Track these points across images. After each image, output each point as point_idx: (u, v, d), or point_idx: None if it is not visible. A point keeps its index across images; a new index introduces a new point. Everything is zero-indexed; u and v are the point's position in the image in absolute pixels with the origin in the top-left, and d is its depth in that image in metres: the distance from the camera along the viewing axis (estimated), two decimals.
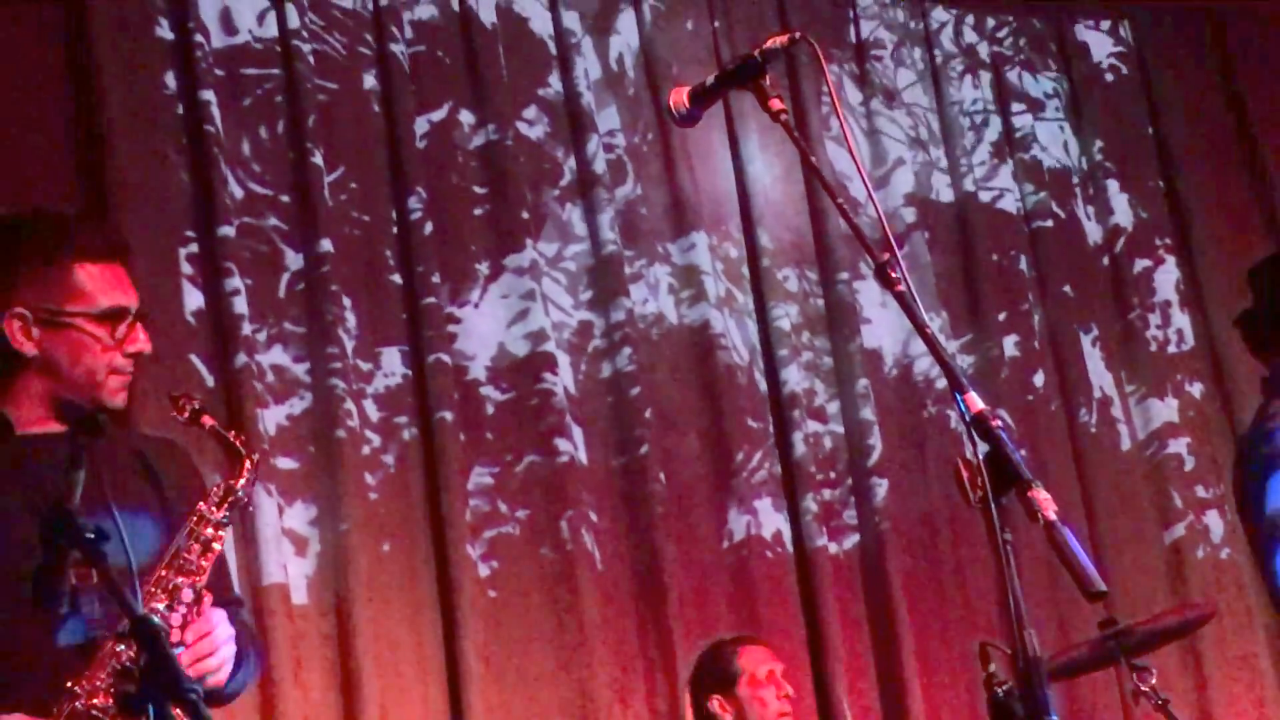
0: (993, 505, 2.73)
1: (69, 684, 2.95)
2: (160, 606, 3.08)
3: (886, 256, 2.96)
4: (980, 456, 2.76)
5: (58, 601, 2.76)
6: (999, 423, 2.79)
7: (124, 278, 3.30)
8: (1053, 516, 2.67)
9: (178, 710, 2.49)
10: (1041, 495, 2.69)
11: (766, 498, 6.71)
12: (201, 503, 3.26)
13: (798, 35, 3.26)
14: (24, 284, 3.24)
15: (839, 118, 3.16)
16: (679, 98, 3.39)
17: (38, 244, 3.27)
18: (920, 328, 2.92)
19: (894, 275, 2.95)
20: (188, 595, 3.12)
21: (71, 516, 2.67)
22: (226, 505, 3.26)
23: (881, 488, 6.85)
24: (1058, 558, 2.67)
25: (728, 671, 5.65)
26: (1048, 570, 6.66)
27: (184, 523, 3.26)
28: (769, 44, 3.25)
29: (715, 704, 5.62)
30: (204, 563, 3.19)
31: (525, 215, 6.63)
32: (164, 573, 3.15)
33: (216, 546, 3.22)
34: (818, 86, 7.23)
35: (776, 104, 3.23)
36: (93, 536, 2.67)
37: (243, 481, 3.30)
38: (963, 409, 2.81)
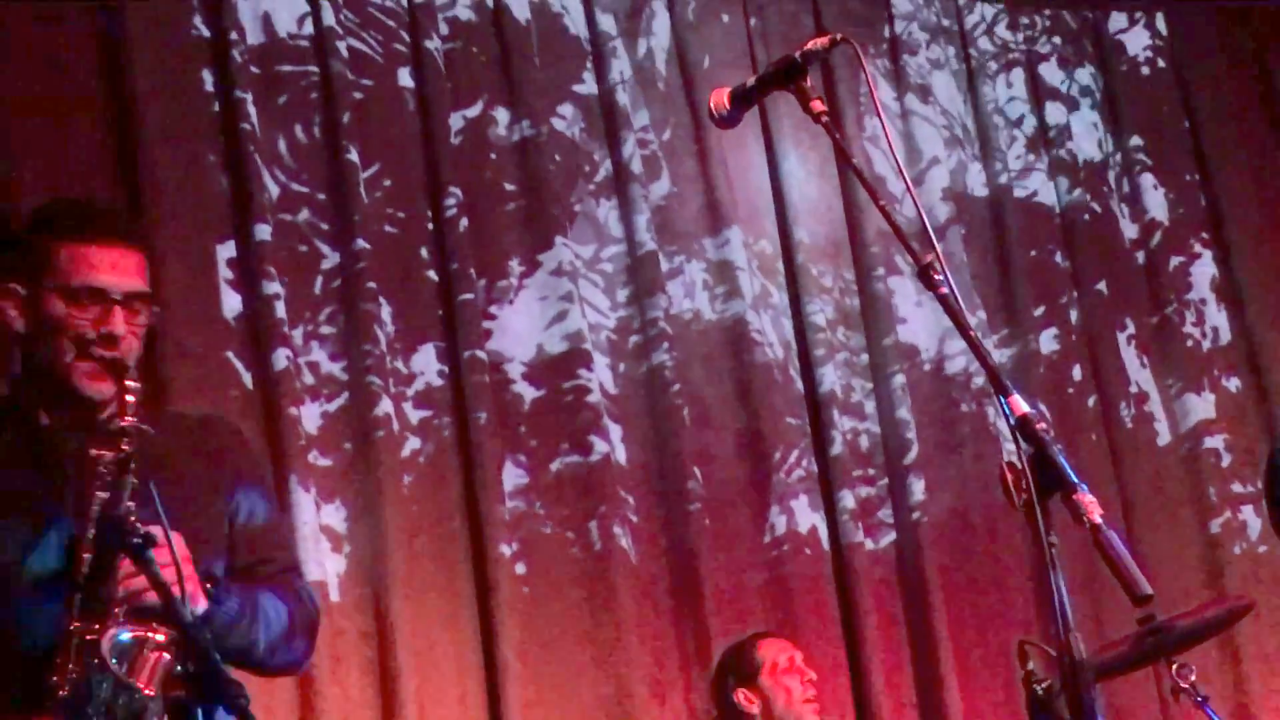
0: (1038, 508, 2.71)
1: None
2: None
3: (930, 258, 2.94)
4: (1025, 459, 2.74)
5: (107, 607, 2.76)
6: (1043, 425, 2.77)
7: (118, 263, 3.23)
8: (1098, 519, 2.66)
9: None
10: (1087, 498, 2.69)
11: (803, 495, 6.70)
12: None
13: (839, 37, 3.25)
14: (17, 262, 3.24)
15: (879, 118, 3.14)
16: (720, 99, 3.39)
17: (35, 224, 3.29)
18: (964, 330, 2.91)
19: (937, 277, 2.93)
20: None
21: (121, 522, 2.67)
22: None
23: (918, 485, 6.84)
24: (1104, 561, 2.67)
25: (749, 664, 5.69)
26: (1083, 567, 6.63)
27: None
28: (810, 45, 3.25)
29: (741, 696, 5.65)
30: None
31: (560, 212, 6.64)
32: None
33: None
34: (852, 87, 7.23)
35: (818, 105, 3.22)
36: (140, 542, 2.68)
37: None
38: (1006, 412, 2.80)
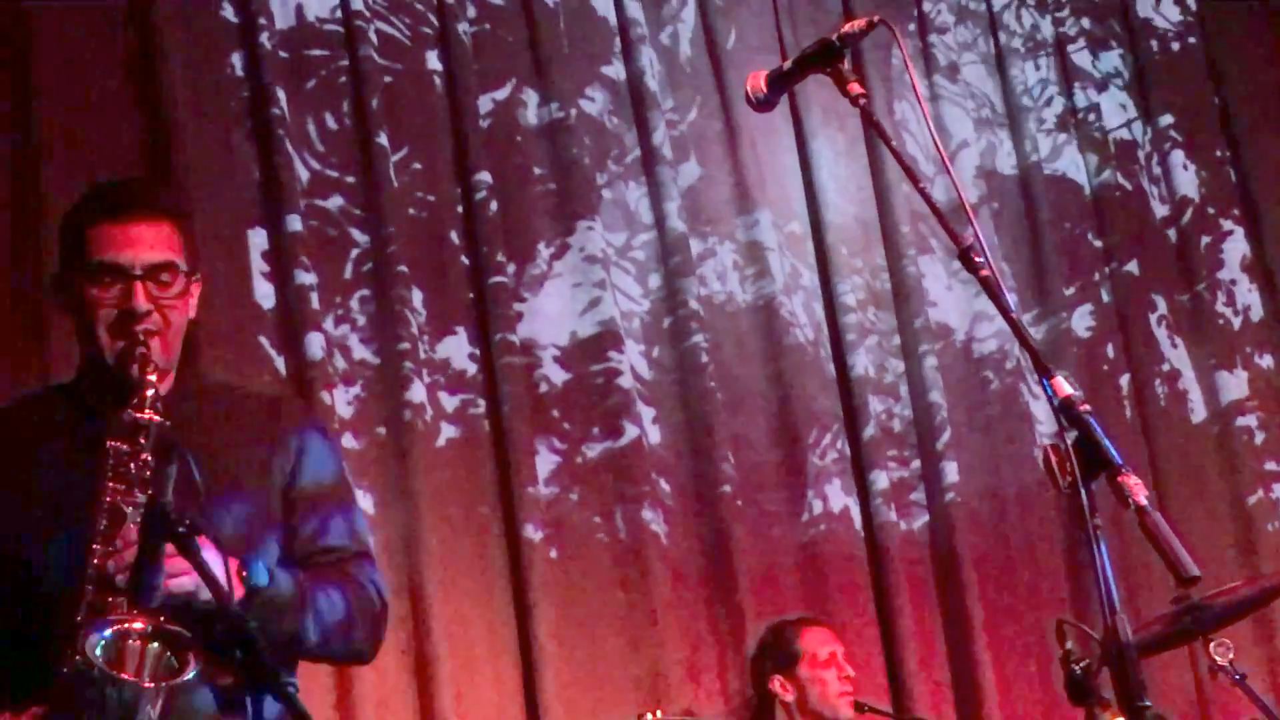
0: (1082, 491, 2.70)
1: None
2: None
3: (970, 240, 2.93)
4: (1069, 442, 2.73)
5: (151, 596, 2.75)
6: (1086, 407, 2.75)
7: (138, 237, 3.16)
8: (1144, 501, 2.65)
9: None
10: (1132, 480, 2.67)
11: (836, 476, 6.70)
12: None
13: (876, 19, 3.23)
14: (62, 254, 3.23)
15: (917, 98, 3.14)
16: (756, 82, 3.38)
17: (69, 213, 3.25)
18: (1005, 311, 2.89)
19: (978, 259, 2.92)
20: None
21: (166, 511, 2.67)
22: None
23: (951, 466, 6.83)
24: (1150, 543, 2.65)
25: (789, 652, 5.67)
26: (1115, 547, 6.61)
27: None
28: (847, 28, 3.22)
29: (776, 684, 5.64)
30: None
31: (589, 194, 6.64)
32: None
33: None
34: (883, 70, 7.23)
35: (855, 88, 3.19)
36: (186, 531, 2.67)
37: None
38: (1050, 394, 2.78)
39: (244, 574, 3.00)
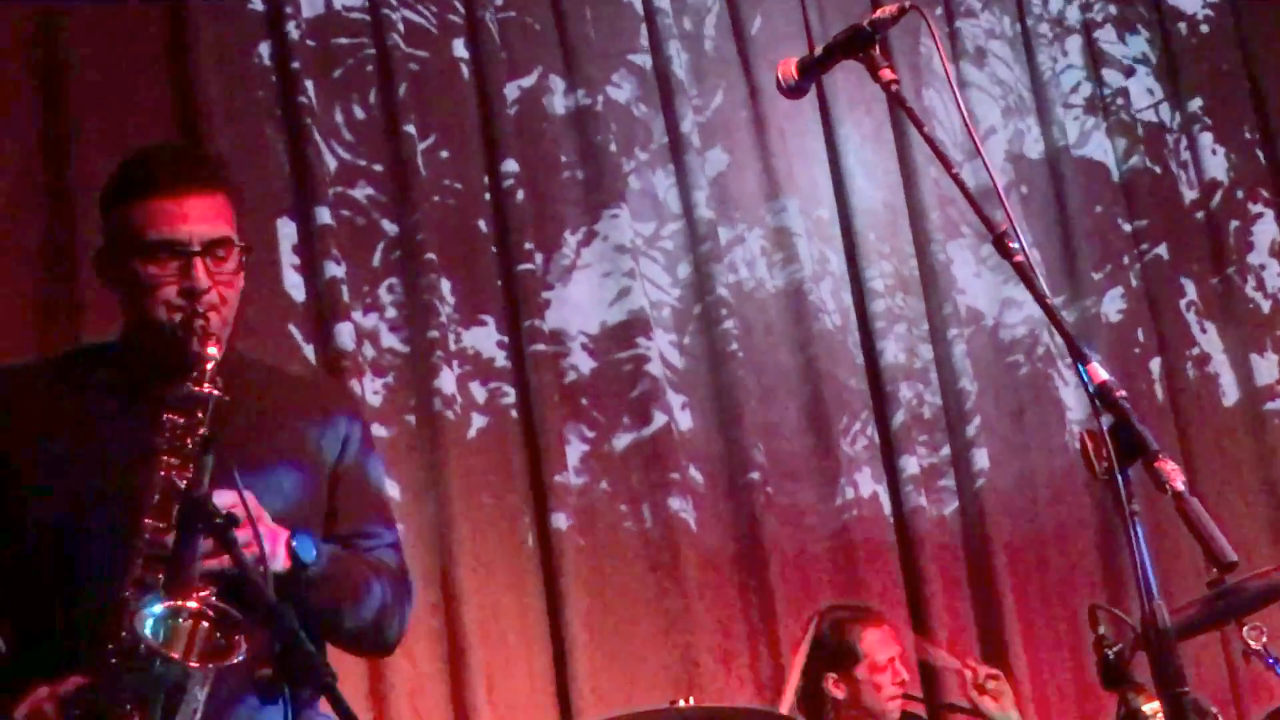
0: (1119, 477, 2.69)
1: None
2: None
3: (1004, 226, 2.92)
4: (1105, 427, 2.72)
5: (187, 589, 2.75)
6: (1123, 393, 2.75)
7: (193, 211, 3.09)
8: (1181, 487, 2.65)
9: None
10: (1169, 466, 2.67)
11: (866, 462, 6.70)
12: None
13: (907, 4, 3.22)
14: (107, 235, 3.18)
15: (950, 83, 3.14)
16: (788, 69, 3.37)
17: (111, 191, 3.18)
18: (1040, 298, 2.89)
19: (1012, 245, 2.92)
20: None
21: (203, 503, 2.66)
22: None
23: (981, 451, 6.82)
24: (1188, 529, 2.66)
25: (850, 651, 5.56)
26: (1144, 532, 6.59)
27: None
28: (879, 14, 3.22)
29: (830, 682, 5.54)
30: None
31: (616, 181, 6.63)
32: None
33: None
34: (911, 58, 7.20)
35: (887, 74, 3.20)
36: (223, 523, 2.67)
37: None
38: (1085, 379, 2.77)
39: (293, 545, 2.99)
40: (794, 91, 3.40)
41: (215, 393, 2.99)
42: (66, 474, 3.10)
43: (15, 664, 3.08)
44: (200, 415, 2.97)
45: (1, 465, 3.12)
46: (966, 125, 3.31)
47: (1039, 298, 2.89)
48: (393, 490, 6.00)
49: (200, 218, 3.09)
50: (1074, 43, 7.63)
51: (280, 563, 2.97)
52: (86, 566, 3.03)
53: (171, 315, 3.06)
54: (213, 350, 3.01)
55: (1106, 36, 7.70)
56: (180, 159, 3.28)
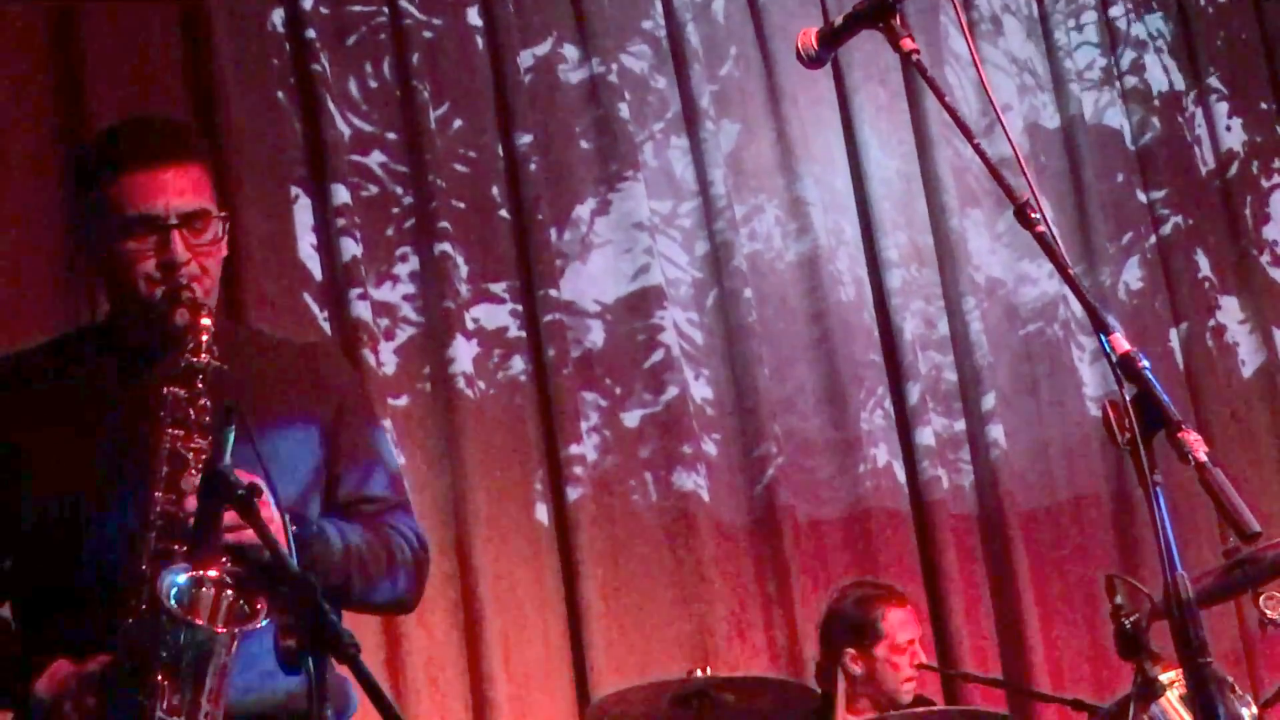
0: (1141, 447, 2.68)
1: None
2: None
3: (1026, 196, 2.91)
4: (1127, 397, 2.71)
5: (208, 561, 2.75)
6: (1146, 363, 2.74)
7: (169, 183, 3.08)
8: (1204, 457, 2.64)
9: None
10: (1191, 436, 2.66)
11: (881, 432, 6.68)
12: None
13: None
14: (80, 211, 3.17)
15: (973, 55, 3.12)
16: (808, 39, 3.34)
17: (92, 165, 3.16)
18: (1062, 269, 2.88)
19: (1034, 216, 2.90)
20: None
21: (225, 475, 2.66)
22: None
23: (996, 423, 6.80)
24: (1210, 499, 2.65)
25: (872, 629, 5.54)
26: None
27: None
28: None
29: (849, 656, 5.52)
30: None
31: (631, 150, 6.62)
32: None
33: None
34: (926, 35, 7.15)
35: (908, 44, 3.15)
36: (245, 494, 2.66)
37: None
38: (1108, 350, 2.76)
39: (292, 527, 2.98)
40: (814, 62, 3.37)
41: (214, 362, 3.00)
42: (71, 454, 3.11)
43: (30, 641, 3.10)
44: (200, 386, 2.98)
45: (8, 453, 3.13)
46: (986, 92, 3.28)
47: (1062, 269, 2.88)
48: (410, 460, 6.01)
49: (176, 190, 3.08)
50: (1090, 17, 7.58)
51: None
52: (99, 542, 3.04)
53: (152, 290, 3.06)
54: (206, 321, 3.01)
55: (1122, 9, 7.64)
56: (151, 132, 3.24)
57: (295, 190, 6.14)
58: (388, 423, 5.88)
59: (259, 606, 2.75)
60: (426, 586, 3.42)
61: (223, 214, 3.17)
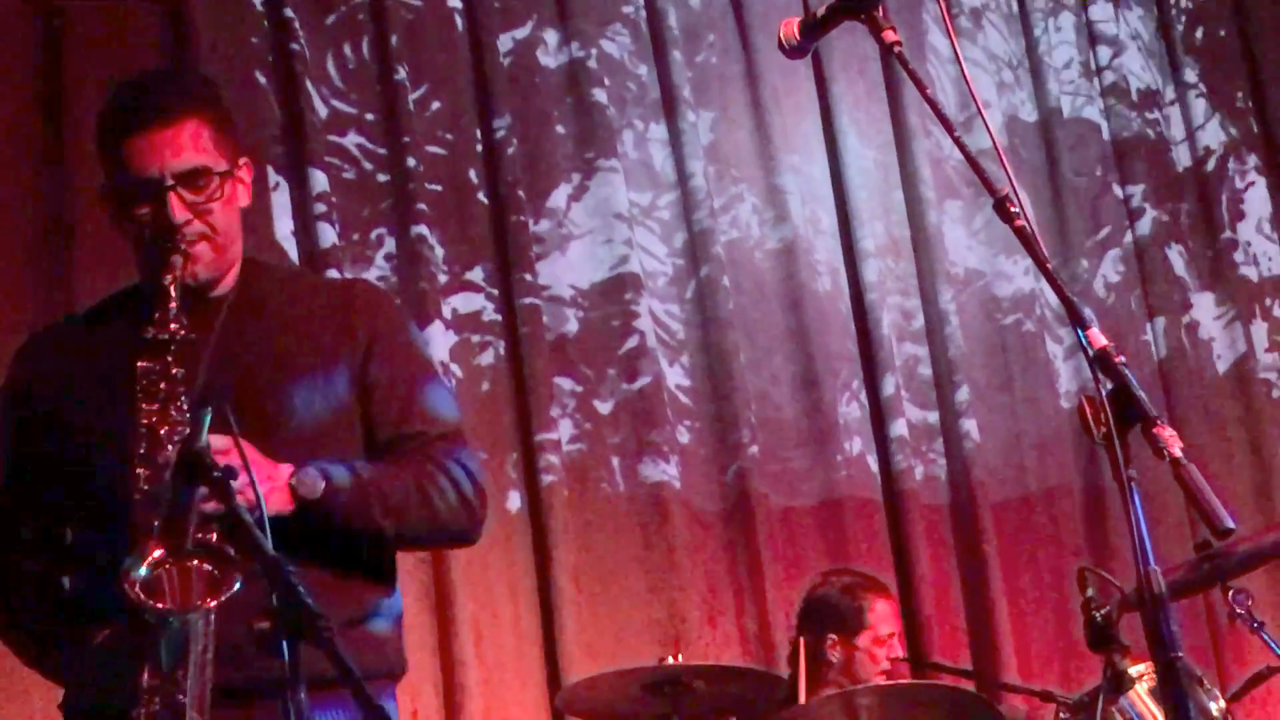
0: (1117, 442, 2.68)
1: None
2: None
3: (1005, 190, 2.91)
4: (1103, 392, 2.71)
5: (182, 538, 2.74)
6: (1122, 358, 2.74)
7: (163, 144, 3.06)
8: (1179, 453, 2.64)
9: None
10: (1167, 432, 2.66)
11: (855, 422, 6.70)
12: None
13: None
14: (108, 178, 3.17)
15: (954, 47, 3.12)
16: (790, 29, 3.33)
17: (100, 121, 3.17)
18: (1041, 263, 2.87)
19: (1013, 209, 2.90)
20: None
21: (200, 456, 2.65)
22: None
23: (970, 416, 6.81)
24: (1185, 495, 2.65)
25: (857, 618, 5.56)
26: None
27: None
28: None
29: (829, 642, 5.54)
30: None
31: (610, 135, 6.61)
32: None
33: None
34: (906, 30, 7.15)
35: (890, 35, 3.14)
36: (220, 475, 2.65)
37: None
38: (1085, 344, 2.76)
39: (293, 484, 2.98)
40: (795, 51, 3.36)
41: (183, 333, 2.99)
42: (81, 419, 3.14)
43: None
44: (169, 358, 2.97)
45: (51, 421, 3.17)
46: (967, 84, 3.28)
47: (1040, 263, 2.88)
48: None
49: (173, 150, 3.06)
50: (1068, 14, 7.59)
51: (281, 504, 2.96)
52: (97, 510, 3.08)
53: (159, 252, 3.07)
54: (172, 289, 3.00)
55: (1101, 6, 7.64)
56: (151, 89, 3.21)
57: (272, 170, 6.10)
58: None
59: (232, 574, 2.72)
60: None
61: (223, 170, 3.13)
